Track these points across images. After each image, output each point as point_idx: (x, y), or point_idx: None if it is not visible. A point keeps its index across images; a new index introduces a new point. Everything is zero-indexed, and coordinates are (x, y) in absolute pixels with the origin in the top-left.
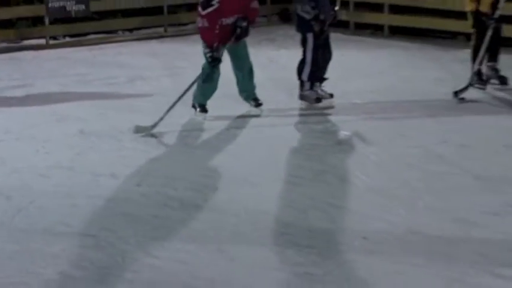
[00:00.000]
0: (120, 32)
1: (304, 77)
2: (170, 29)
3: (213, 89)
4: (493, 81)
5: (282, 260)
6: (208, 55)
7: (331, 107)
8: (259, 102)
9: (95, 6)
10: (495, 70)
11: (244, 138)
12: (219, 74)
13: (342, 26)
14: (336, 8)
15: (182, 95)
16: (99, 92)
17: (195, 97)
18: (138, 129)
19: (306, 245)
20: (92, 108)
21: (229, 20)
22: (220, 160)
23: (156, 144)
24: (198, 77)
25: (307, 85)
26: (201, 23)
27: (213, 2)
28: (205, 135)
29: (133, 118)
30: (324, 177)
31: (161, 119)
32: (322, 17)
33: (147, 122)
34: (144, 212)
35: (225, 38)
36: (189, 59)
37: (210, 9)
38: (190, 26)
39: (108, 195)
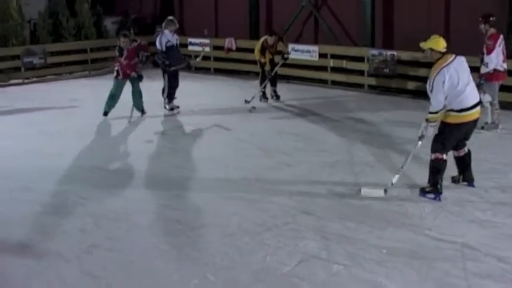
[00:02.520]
0: (64, 74)
1: (165, 96)
2: (92, 72)
3: (115, 103)
4: (274, 98)
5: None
6: (135, 76)
7: (179, 112)
8: (144, 111)
9: (50, 60)
10: (275, 91)
11: (132, 125)
12: (119, 96)
13: (187, 68)
14: (197, 59)
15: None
16: (53, 106)
17: (104, 107)
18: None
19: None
20: (48, 115)
21: (133, 61)
22: (117, 136)
23: (84, 134)
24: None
25: (166, 100)
26: (122, 62)
27: (123, 52)
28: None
29: (72, 120)
30: (177, 152)
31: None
32: (167, 62)
33: (81, 123)
34: (70, 165)
35: (134, 68)
36: (102, 88)
37: (123, 57)
38: (104, 70)
39: (59, 163)
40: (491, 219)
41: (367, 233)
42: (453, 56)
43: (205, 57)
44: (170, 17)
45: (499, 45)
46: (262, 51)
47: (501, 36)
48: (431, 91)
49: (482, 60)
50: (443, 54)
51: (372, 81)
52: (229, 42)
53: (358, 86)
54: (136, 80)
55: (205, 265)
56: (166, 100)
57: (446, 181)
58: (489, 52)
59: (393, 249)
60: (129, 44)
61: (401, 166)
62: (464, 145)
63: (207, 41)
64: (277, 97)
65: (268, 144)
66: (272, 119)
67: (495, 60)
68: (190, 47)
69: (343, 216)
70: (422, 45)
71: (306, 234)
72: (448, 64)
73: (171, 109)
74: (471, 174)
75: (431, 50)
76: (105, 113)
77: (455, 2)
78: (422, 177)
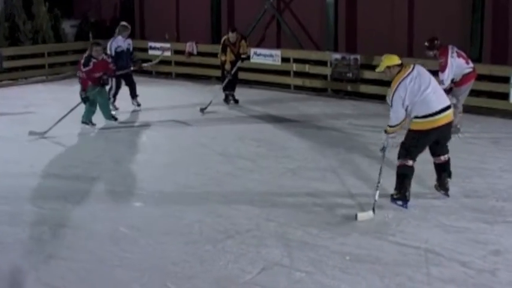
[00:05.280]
0: (20, 79)
1: (111, 95)
2: (49, 77)
3: (95, 108)
4: (232, 102)
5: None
6: (82, 96)
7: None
8: (116, 118)
9: (6, 64)
10: (233, 96)
11: (88, 131)
12: (96, 101)
13: (148, 73)
14: (151, 62)
15: (66, 115)
16: (9, 112)
17: (83, 116)
18: (31, 133)
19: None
20: (4, 121)
21: (97, 74)
22: (75, 142)
23: (40, 141)
24: (76, 106)
25: (111, 100)
26: (80, 74)
27: (90, 63)
28: (70, 134)
29: (29, 127)
30: (136, 158)
31: (50, 128)
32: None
33: (37, 129)
34: (26, 172)
35: (95, 84)
36: (59, 94)
37: (86, 68)
38: (61, 75)
39: (15, 170)
40: (454, 224)
41: (330, 239)
42: (411, 66)
43: (166, 62)
44: (123, 23)
45: (452, 56)
46: (224, 49)
47: (449, 47)
48: (391, 106)
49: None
50: (401, 66)
51: (335, 85)
52: (190, 47)
53: (321, 91)
54: (103, 91)
55: (166, 274)
56: (112, 99)
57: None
58: (442, 69)
59: (356, 255)
60: (101, 55)
61: (378, 182)
62: (444, 152)
63: (167, 45)
64: (236, 101)
65: (229, 149)
66: (233, 123)
67: (450, 75)
68: (150, 52)
69: (306, 223)
70: (378, 69)
71: (268, 241)
72: (407, 75)
73: (115, 108)
74: (444, 182)
75: (389, 67)
76: (92, 122)
77: (419, 5)
78: (383, 184)
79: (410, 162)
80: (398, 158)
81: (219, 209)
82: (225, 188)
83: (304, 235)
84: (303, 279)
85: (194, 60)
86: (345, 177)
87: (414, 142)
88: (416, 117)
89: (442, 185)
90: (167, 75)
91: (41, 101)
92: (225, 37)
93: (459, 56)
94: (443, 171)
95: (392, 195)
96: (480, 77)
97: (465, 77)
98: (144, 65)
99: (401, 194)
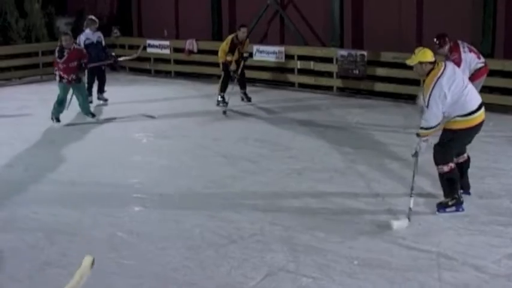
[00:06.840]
0: (14, 79)
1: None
2: (44, 77)
3: (63, 108)
4: (245, 100)
5: None
6: (75, 77)
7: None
8: (94, 114)
9: None
10: (245, 94)
11: (84, 133)
12: (65, 101)
13: (147, 72)
14: (120, 58)
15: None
16: (1, 114)
17: (52, 113)
18: None
19: None
20: None
21: (71, 65)
22: (70, 144)
23: (34, 144)
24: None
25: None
26: (61, 67)
27: (64, 54)
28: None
29: (21, 128)
30: (134, 160)
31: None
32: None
33: (32, 132)
34: (19, 177)
35: (74, 72)
36: (54, 95)
37: (63, 59)
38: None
39: (8, 174)
40: (467, 227)
41: (338, 243)
42: (443, 63)
43: (165, 60)
44: (91, 17)
45: (464, 51)
46: (232, 48)
47: (459, 42)
48: (427, 106)
49: None
50: (434, 63)
51: (341, 83)
52: (190, 44)
53: (327, 89)
54: (78, 84)
55: (166, 280)
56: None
57: (419, 189)
58: (457, 66)
59: (365, 260)
60: (72, 44)
61: (411, 189)
62: (465, 151)
63: (166, 42)
64: (249, 99)
65: (231, 150)
66: (235, 124)
67: (465, 71)
68: (148, 49)
69: (312, 226)
70: (409, 62)
71: (273, 245)
72: (442, 73)
73: (89, 102)
74: (468, 181)
75: (421, 63)
76: (57, 119)
77: None
78: (392, 185)
79: (453, 165)
80: (445, 162)
81: (221, 213)
82: (228, 190)
83: (310, 239)
84: (309, 285)
85: (194, 58)
86: (353, 179)
87: (457, 142)
88: (459, 115)
89: (465, 184)
90: (166, 74)
91: (35, 102)
92: (232, 36)
93: (470, 51)
94: (466, 170)
95: (443, 203)
96: (492, 73)
97: (477, 73)
98: (120, 59)
99: (456, 199)
